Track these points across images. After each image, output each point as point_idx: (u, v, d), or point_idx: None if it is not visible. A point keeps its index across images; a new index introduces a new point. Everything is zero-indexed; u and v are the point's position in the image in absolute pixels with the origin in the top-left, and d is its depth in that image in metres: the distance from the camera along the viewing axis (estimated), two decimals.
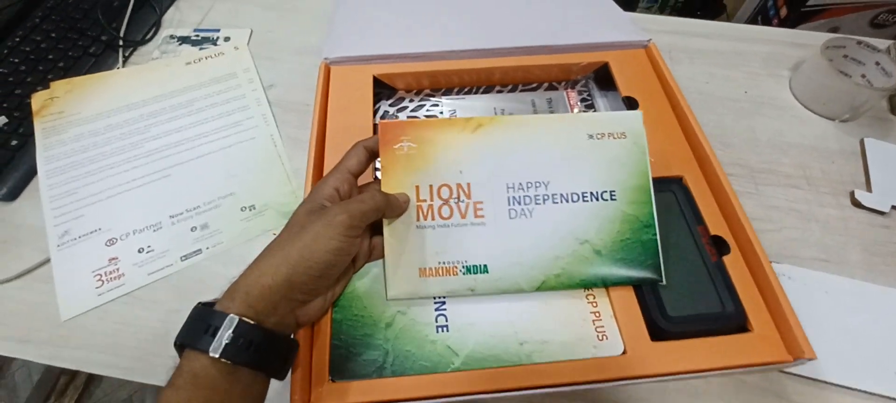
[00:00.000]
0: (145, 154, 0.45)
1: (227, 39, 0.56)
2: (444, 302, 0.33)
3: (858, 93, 0.47)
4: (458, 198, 0.34)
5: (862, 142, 0.48)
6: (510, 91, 0.48)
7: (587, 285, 0.33)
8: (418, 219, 0.33)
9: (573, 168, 0.34)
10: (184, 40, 0.56)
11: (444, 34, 0.48)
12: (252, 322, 0.25)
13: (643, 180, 0.34)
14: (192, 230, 0.41)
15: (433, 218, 0.33)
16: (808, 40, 0.56)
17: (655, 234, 0.33)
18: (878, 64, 0.50)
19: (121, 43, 0.54)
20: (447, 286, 0.33)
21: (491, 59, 0.46)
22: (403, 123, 0.35)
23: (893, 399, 0.35)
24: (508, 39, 0.47)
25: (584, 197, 0.34)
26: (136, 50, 0.55)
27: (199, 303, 0.27)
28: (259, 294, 0.26)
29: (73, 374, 0.96)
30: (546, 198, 0.34)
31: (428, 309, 0.33)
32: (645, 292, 0.33)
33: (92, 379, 0.97)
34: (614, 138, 0.35)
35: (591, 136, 0.35)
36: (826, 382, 0.35)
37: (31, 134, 0.46)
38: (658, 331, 0.32)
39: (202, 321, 0.25)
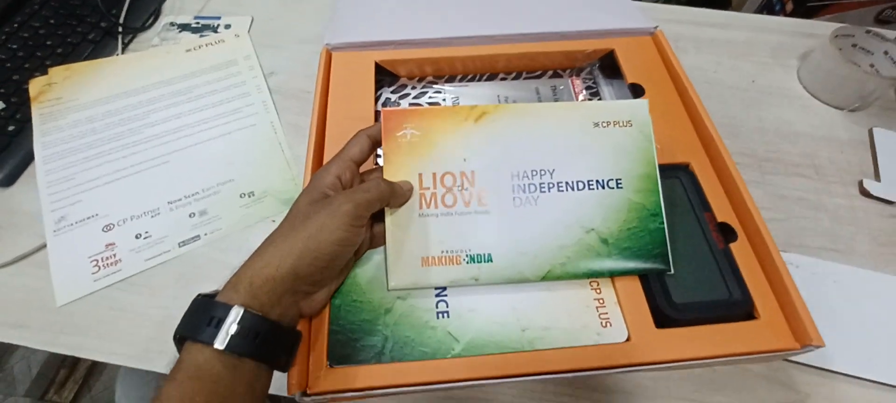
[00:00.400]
0: (144, 140, 0.44)
1: (227, 27, 0.55)
2: (444, 289, 0.33)
3: (867, 81, 0.46)
4: (462, 186, 0.33)
5: (870, 132, 0.47)
6: (514, 78, 0.47)
7: (594, 275, 0.33)
8: (421, 208, 0.33)
9: (578, 156, 0.34)
10: (184, 27, 0.55)
11: (448, 20, 0.47)
12: (257, 313, 0.25)
13: (650, 168, 0.34)
14: (190, 216, 0.40)
15: (436, 207, 0.33)
16: (817, 30, 0.56)
17: (663, 223, 0.33)
18: (886, 53, 0.49)
19: (120, 29, 0.53)
20: (450, 275, 0.32)
21: (495, 46, 0.46)
22: (407, 111, 0.34)
23: None
24: (512, 26, 0.46)
25: (589, 185, 0.33)
26: (136, 37, 0.54)
27: (199, 295, 0.26)
28: (263, 284, 0.25)
29: (73, 367, 0.96)
30: (551, 185, 0.33)
31: (428, 296, 0.32)
32: (650, 279, 0.33)
33: (91, 372, 0.97)
34: (620, 126, 0.34)
35: (596, 124, 0.34)
36: (833, 371, 0.35)
37: (29, 119, 0.45)
38: (663, 318, 0.31)
39: (204, 313, 0.24)
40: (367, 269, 0.33)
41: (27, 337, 0.35)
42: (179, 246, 0.39)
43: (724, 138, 0.45)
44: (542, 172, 0.33)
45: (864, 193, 0.44)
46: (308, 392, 0.29)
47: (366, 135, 0.32)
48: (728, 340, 0.31)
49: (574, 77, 0.47)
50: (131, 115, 0.46)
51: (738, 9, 1.21)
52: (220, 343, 0.23)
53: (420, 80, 0.47)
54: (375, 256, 0.33)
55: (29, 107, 0.46)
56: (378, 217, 0.32)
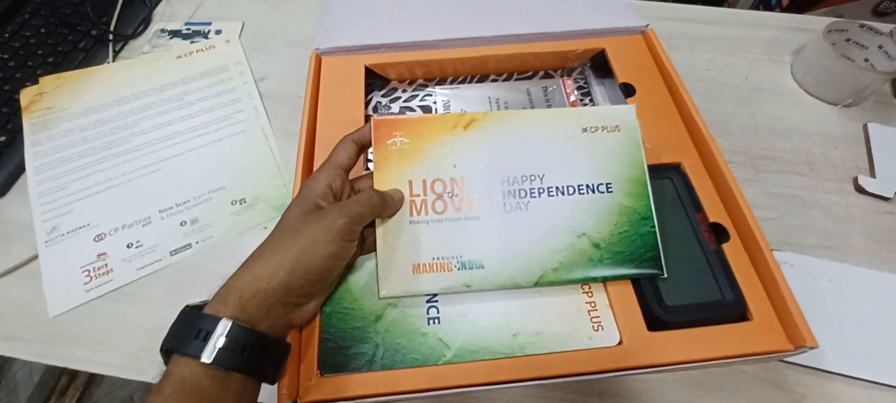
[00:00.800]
0: (135, 148, 0.44)
1: (218, 32, 0.55)
2: (435, 295, 0.33)
3: (861, 76, 0.46)
4: (452, 192, 0.33)
5: (865, 127, 0.47)
6: (505, 80, 0.47)
7: (586, 281, 0.32)
8: (411, 215, 0.32)
9: (568, 161, 0.34)
10: (175, 34, 0.55)
11: (438, 22, 0.47)
12: (246, 326, 0.25)
13: (639, 172, 0.33)
14: (181, 224, 0.40)
15: (427, 213, 0.32)
16: (810, 25, 0.55)
17: (654, 226, 0.33)
18: (881, 47, 0.49)
19: (111, 37, 0.53)
20: (442, 282, 0.32)
21: (485, 48, 0.45)
22: (396, 119, 0.34)
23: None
24: (503, 27, 0.46)
25: (579, 189, 0.33)
26: (127, 44, 0.54)
27: (187, 306, 0.26)
28: (253, 297, 0.25)
29: (74, 374, 0.96)
30: (541, 190, 0.33)
31: (419, 302, 0.32)
32: (642, 282, 0.32)
33: (93, 379, 0.97)
34: (608, 131, 0.34)
35: (584, 130, 0.34)
36: (828, 371, 0.35)
37: (20, 130, 0.45)
38: (655, 321, 0.31)
39: (191, 325, 0.24)
40: (359, 276, 0.33)
41: (20, 349, 0.35)
42: (171, 255, 0.39)
43: (717, 136, 0.45)
44: (533, 178, 0.33)
45: (859, 190, 0.43)
46: (299, 401, 0.29)
47: (351, 141, 0.32)
48: (721, 342, 0.31)
49: (565, 77, 0.46)
50: (122, 123, 0.46)
51: (734, 4, 1.21)
52: (207, 356, 0.23)
53: (411, 83, 0.46)
54: (367, 263, 0.33)
55: (20, 118, 0.46)
56: (369, 223, 0.32)
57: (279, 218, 0.29)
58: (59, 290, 0.37)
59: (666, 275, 0.32)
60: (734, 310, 0.32)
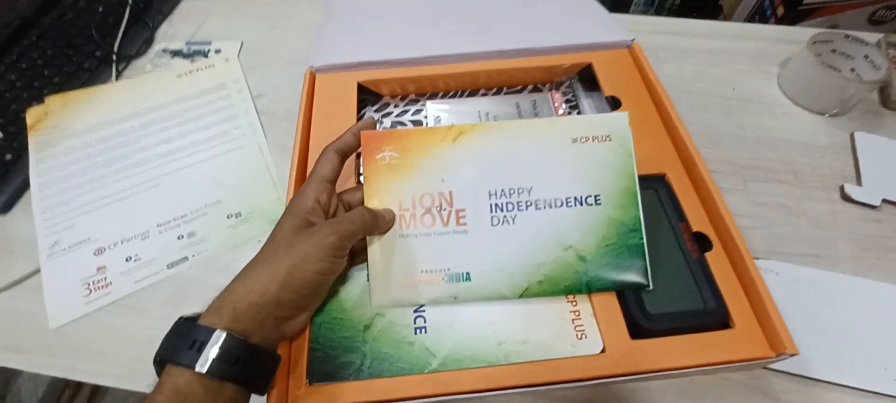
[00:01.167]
0: (135, 164, 0.46)
1: (217, 51, 0.57)
2: (423, 305, 0.33)
3: (847, 86, 0.47)
4: (441, 206, 0.34)
5: (852, 136, 0.48)
6: (495, 94, 0.48)
7: (571, 291, 0.33)
8: (401, 228, 0.33)
9: (557, 173, 0.34)
10: (176, 53, 0.57)
11: (429, 40, 0.48)
12: (240, 337, 0.25)
13: (629, 182, 0.34)
14: (178, 238, 0.41)
15: (416, 227, 0.33)
16: (797, 36, 0.56)
17: (642, 239, 0.33)
18: (866, 57, 0.49)
19: (114, 57, 0.55)
20: (431, 294, 0.33)
21: (475, 63, 0.46)
22: (385, 133, 0.35)
23: (883, 394, 0.34)
24: (492, 43, 0.47)
25: (567, 202, 0.34)
26: (130, 64, 0.56)
27: (181, 318, 0.27)
28: (247, 310, 0.26)
29: (77, 387, 0.97)
30: (529, 204, 0.34)
31: (407, 312, 0.33)
32: (625, 291, 0.33)
33: (96, 391, 0.98)
34: (599, 141, 0.34)
35: (574, 140, 0.34)
36: (814, 379, 0.35)
37: (26, 148, 0.47)
38: (638, 329, 0.32)
39: (186, 336, 0.25)
40: (348, 287, 0.34)
41: (22, 361, 0.36)
42: (168, 268, 0.40)
43: (705, 146, 0.46)
44: (520, 190, 0.34)
45: (846, 198, 0.44)
46: None
47: (333, 151, 0.33)
48: (703, 350, 0.31)
49: (553, 91, 0.47)
50: (124, 140, 0.47)
51: (729, 15, 1.22)
52: (201, 366, 0.24)
53: (402, 99, 0.48)
54: (356, 274, 0.34)
55: (26, 136, 0.47)
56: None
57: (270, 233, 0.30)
58: (60, 303, 0.38)
59: (651, 287, 0.33)
60: (716, 318, 0.32)
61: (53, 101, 0.50)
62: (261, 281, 0.27)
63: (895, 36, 0.55)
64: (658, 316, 0.32)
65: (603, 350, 0.31)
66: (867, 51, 0.49)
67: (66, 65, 0.54)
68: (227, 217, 0.43)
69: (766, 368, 0.35)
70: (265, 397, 0.29)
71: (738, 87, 0.52)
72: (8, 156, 0.46)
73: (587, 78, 0.48)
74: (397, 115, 0.46)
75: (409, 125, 0.46)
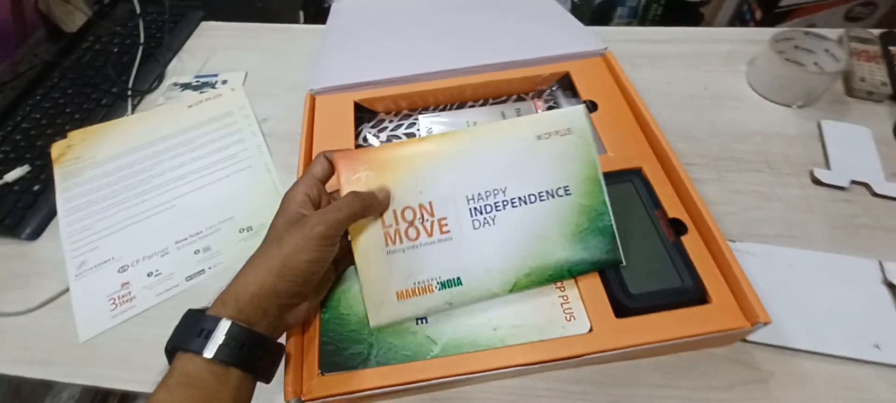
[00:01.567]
0: (153, 188, 0.49)
1: (224, 82, 0.61)
2: (420, 317, 0.35)
3: (809, 79, 0.50)
4: (422, 217, 0.35)
5: (819, 125, 0.51)
6: (482, 105, 0.52)
7: (555, 278, 0.35)
8: (387, 245, 0.34)
9: (527, 170, 0.36)
10: (186, 86, 0.61)
11: (418, 58, 0.52)
12: (243, 325, 0.28)
13: (592, 171, 0.36)
14: (195, 253, 0.45)
15: (401, 242, 0.34)
16: (763, 37, 0.59)
17: (610, 220, 0.35)
18: (827, 51, 0.53)
19: (129, 93, 0.59)
20: (426, 304, 0.34)
21: (462, 77, 0.50)
22: (358, 153, 0.36)
23: (858, 360, 0.36)
24: (477, 58, 0.51)
25: (540, 196, 0.35)
26: (144, 98, 0.60)
27: (190, 310, 0.29)
28: (249, 301, 0.28)
29: (106, 396, 0.98)
30: (506, 203, 0.35)
31: None
32: (608, 273, 0.36)
33: (125, 398, 0.99)
34: (561, 135, 0.36)
35: (538, 137, 0.36)
36: (793, 348, 0.37)
37: (51, 179, 0.51)
38: (622, 308, 0.34)
39: (194, 325, 0.27)
40: (355, 284, 0.36)
41: (55, 372, 0.39)
42: (186, 280, 0.43)
43: (680, 142, 0.49)
44: (496, 192, 0.35)
45: (816, 181, 0.47)
46: (303, 398, 0.32)
47: (324, 157, 0.35)
48: (682, 324, 0.34)
49: (536, 99, 0.51)
50: (141, 168, 0.51)
51: (711, 21, 1.27)
52: (208, 352, 0.26)
53: (396, 114, 0.51)
54: None
55: (51, 168, 0.51)
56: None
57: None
58: (88, 318, 0.41)
59: (625, 263, 0.35)
60: (694, 294, 0.35)
61: (75, 136, 0.54)
62: (259, 274, 0.29)
63: (857, 29, 0.59)
64: (639, 296, 0.35)
65: (590, 330, 0.34)
66: (827, 45, 0.53)
67: (85, 102, 0.58)
68: (239, 231, 0.46)
69: (746, 341, 0.37)
70: (282, 386, 0.31)
71: (709, 86, 0.56)
72: (36, 188, 0.50)
73: (566, 86, 0.51)
74: (392, 130, 0.50)
75: (404, 138, 0.49)
